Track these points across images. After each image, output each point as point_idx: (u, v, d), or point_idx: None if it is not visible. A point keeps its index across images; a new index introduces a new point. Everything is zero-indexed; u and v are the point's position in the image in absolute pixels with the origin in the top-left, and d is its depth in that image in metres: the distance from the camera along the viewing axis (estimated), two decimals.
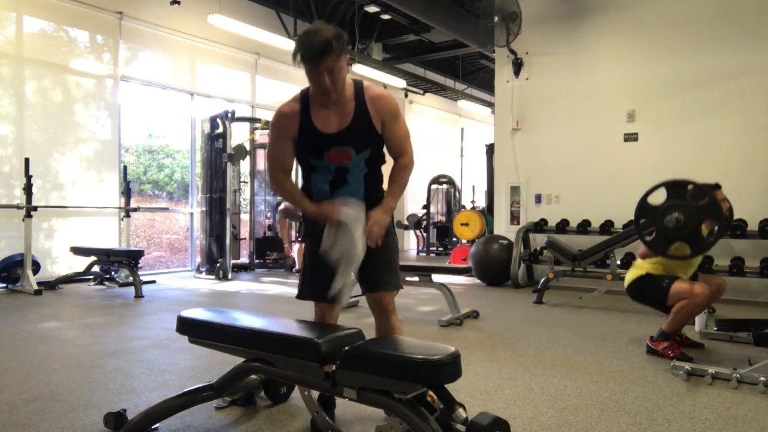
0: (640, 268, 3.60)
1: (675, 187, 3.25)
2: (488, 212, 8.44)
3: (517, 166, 7.28)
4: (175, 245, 10.27)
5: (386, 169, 2.29)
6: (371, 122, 2.15)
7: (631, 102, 6.47)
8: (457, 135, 14.00)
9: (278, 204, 8.36)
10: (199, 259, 8.05)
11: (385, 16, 9.44)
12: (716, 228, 3.35)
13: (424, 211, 11.87)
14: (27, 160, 5.92)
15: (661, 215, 3.23)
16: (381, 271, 2.23)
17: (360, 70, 9.69)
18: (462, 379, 1.79)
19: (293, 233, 8.38)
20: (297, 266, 8.09)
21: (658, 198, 3.28)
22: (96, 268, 6.49)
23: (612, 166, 6.56)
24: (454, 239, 10.83)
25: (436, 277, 4.84)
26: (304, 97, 2.18)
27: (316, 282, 2.21)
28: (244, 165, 8.86)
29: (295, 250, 8.26)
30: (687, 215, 3.16)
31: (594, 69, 6.74)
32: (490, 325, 4.50)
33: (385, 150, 2.27)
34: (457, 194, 12.16)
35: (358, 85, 2.18)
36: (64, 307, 5.19)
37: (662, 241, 3.28)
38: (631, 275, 3.64)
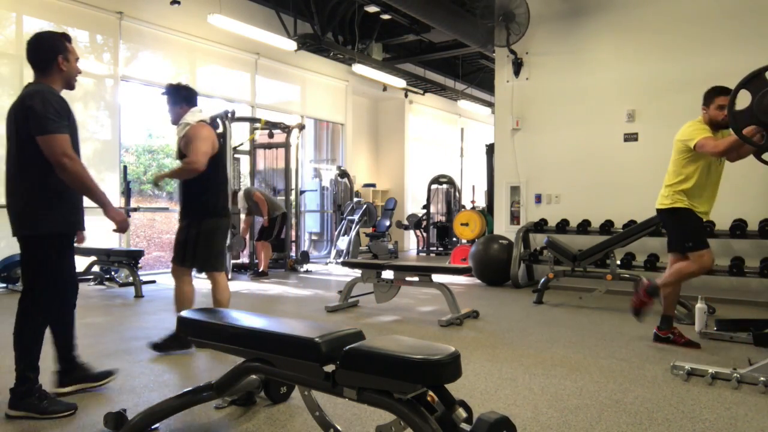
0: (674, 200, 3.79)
1: (753, 82, 2.90)
2: (488, 212, 8.44)
3: (517, 166, 7.27)
4: None
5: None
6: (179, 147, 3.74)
7: (631, 102, 6.46)
8: (457, 135, 14.01)
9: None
10: None
11: (385, 16, 9.44)
12: None
13: (424, 211, 11.87)
14: None
15: (759, 109, 2.87)
16: None
17: (360, 70, 9.69)
18: (462, 379, 1.79)
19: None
20: (262, 267, 7.60)
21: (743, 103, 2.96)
22: (96, 268, 6.49)
23: (612, 166, 6.56)
24: (454, 239, 10.83)
25: (436, 277, 4.84)
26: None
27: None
28: (244, 165, 8.87)
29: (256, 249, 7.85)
30: None
31: (594, 69, 6.73)
32: (490, 325, 4.50)
33: None
34: (457, 194, 12.16)
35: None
36: None
37: None
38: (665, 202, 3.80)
